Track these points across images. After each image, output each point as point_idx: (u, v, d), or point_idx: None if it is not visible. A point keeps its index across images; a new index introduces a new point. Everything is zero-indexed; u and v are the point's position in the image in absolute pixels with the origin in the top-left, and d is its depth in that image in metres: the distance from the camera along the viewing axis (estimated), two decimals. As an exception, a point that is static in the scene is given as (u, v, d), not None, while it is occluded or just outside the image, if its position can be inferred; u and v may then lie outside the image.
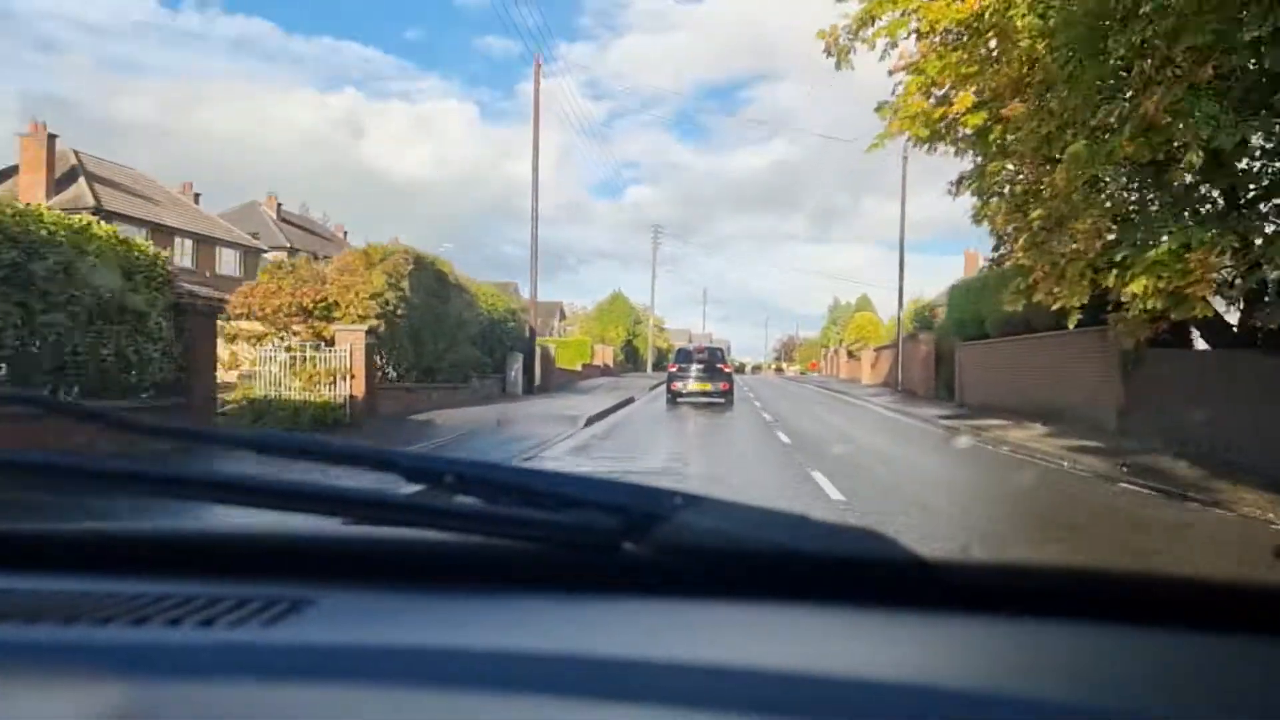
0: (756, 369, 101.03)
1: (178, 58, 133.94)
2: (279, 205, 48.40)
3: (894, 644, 0.78)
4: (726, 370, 24.98)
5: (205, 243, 38.70)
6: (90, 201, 31.13)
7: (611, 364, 51.50)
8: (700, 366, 24.45)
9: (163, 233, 34.04)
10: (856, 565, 0.88)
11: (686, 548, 0.85)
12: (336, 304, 16.39)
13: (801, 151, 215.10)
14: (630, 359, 62.92)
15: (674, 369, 24.71)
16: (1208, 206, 10.43)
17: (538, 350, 29.16)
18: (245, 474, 0.89)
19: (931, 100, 12.41)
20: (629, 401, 25.18)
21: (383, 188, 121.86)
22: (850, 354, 60.86)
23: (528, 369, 27.97)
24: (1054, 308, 11.20)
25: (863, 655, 0.74)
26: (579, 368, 41.49)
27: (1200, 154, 8.38)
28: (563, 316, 76.82)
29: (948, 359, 27.01)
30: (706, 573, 0.87)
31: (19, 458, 0.88)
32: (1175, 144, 8.73)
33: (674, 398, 24.05)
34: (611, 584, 0.87)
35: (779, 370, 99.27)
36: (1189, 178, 9.97)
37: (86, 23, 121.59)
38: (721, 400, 23.90)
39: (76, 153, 34.52)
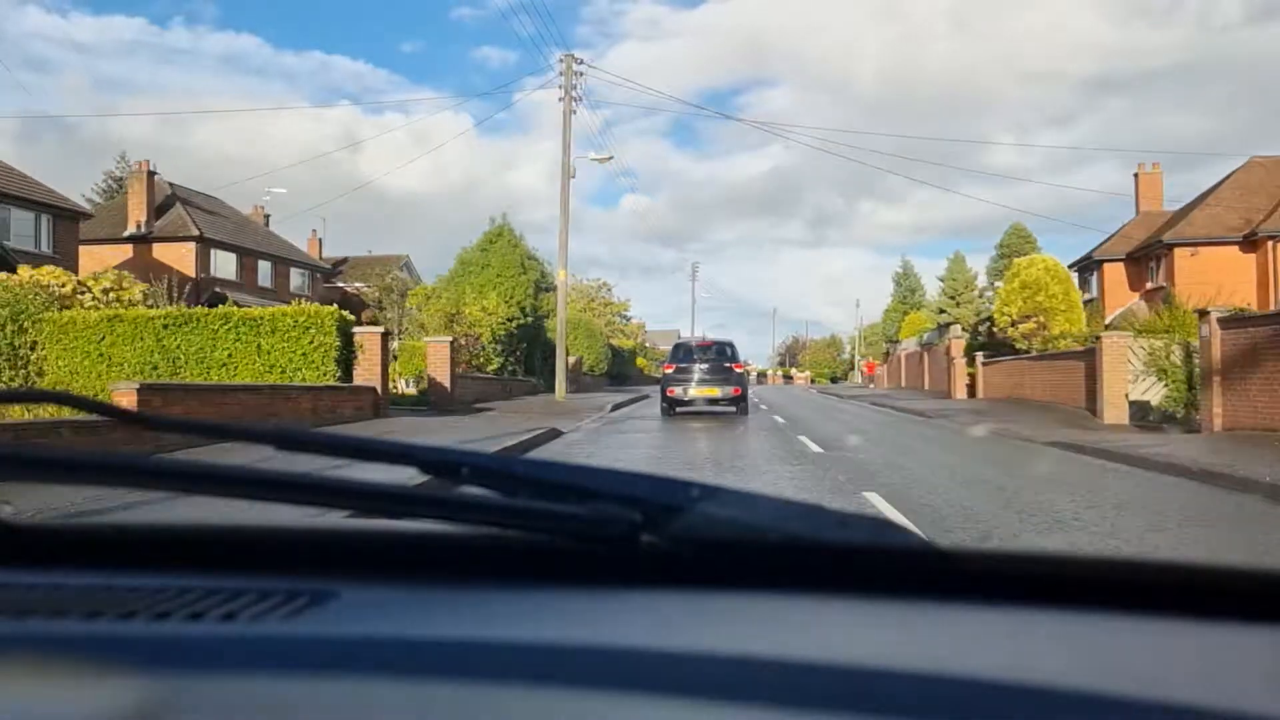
0: (762, 376, 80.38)
1: (169, 75, 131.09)
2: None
3: (914, 634, 0.78)
4: (737, 370, 19.45)
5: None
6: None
7: (448, 377, 20.46)
8: (705, 366, 18.94)
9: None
10: (874, 555, 0.88)
11: (705, 539, 0.85)
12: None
13: (797, 157, 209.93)
14: (533, 361, 31.38)
15: (670, 370, 19.38)
16: None
17: None
18: (264, 468, 0.89)
19: None
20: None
21: (380, 199, 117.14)
22: (997, 345, 27.92)
23: None
24: None
25: (883, 645, 0.74)
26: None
27: None
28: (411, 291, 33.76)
29: None
30: (725, 564, 0.87)
31: (37, 453, 0.90)
32: None
33: (671, 406, 18.86)
34: (630, 576, 0.88)
35: (788, 377, 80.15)
36: None
37: (77, 42, 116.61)
38: (732, 409, 18.96)
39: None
